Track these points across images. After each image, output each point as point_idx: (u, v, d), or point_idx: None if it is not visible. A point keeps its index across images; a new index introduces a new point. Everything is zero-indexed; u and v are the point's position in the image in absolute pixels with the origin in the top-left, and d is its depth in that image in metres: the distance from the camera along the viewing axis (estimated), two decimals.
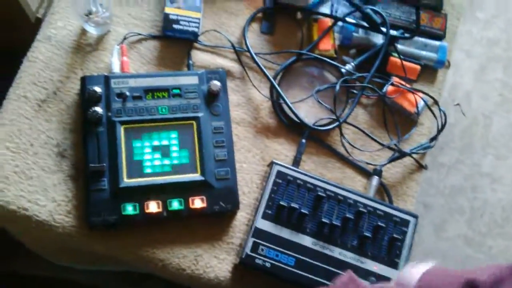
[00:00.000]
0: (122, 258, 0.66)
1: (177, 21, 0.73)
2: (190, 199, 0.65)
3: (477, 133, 1.65)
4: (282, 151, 0.74)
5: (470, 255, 1.57)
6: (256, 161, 0.72)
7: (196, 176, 0.66)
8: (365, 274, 0.65)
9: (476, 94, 1.66)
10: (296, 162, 0.71)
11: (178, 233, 0.67)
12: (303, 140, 0.72)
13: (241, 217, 0.69)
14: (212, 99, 0.70)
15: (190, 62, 0.73)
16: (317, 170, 0.74)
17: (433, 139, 0.78)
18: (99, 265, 0.76)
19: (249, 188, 0.71)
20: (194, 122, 0.68)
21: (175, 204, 0.65)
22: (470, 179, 1.62)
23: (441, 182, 1.60)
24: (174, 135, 0.67)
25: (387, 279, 0.66)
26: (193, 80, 0.70)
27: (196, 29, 0.73)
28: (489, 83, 1.68)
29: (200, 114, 0.68)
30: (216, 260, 0.67)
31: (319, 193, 0.66)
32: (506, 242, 1.60)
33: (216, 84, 0.69)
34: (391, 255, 0.67)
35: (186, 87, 0.70)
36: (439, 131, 0.77)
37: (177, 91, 0.69)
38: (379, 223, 0.67)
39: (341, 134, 0.73)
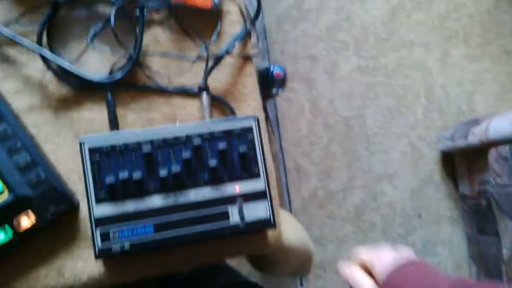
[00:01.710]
0: None
1: None
2: (15, 223, 0.57)
3: None
4: (95, 116, 0.64)
5: (371, 82, 1.59)
6: (70, 141, 0.63)
7: (5, 197, 0.57)
8: (230, 200, 0.61)
9: None
10: (112, 122, 0.63)
11: (27, 258, 0.60)
12: (109, 96, 0.63)
13: (86, 206, 0.62)
14: None
15: None
16: (142, 117, 0.65)
17: (255, 17, 0.69)
18: None
19: (78, 173, 0.62)
20: None
21: (1, 236, 0.57)
22: (341, 11, 1.57)
23: (315, 28, 1.54)
24: None
25: (254, 194, 0.62)
26: None
27: None
28: None
29: None
30: (81, 262, 0.61)
31: (145, 150, 0.59)
32: (398, 53, 1.62)
33: None
34: (248, 168, 0.62)
35: None
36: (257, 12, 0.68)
37: None
38: (221, 147, 0.61)
39: (143, 69, 0.64)
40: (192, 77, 0.67)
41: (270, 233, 0.67)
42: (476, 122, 1.47)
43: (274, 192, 0.66)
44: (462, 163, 1.58)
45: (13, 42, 0.61)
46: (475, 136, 1.41)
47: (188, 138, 0.61)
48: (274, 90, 1.15)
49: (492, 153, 1.37)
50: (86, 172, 0.58)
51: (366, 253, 0.61)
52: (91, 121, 0.64)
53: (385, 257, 0.58)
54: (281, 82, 1.15)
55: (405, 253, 0.59)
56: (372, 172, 1.59)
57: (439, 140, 1.62)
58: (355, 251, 0.63)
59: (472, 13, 1.68)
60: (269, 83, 1.06)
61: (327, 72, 1.55)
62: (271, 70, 1.10)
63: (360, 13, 1.58)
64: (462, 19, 1.66)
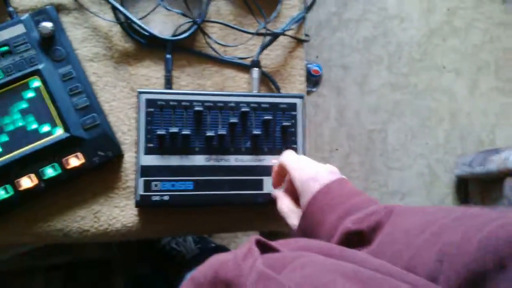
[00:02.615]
0: (18, 242, 0.62)
1: None
2: (64, 161, 0.60)
3: None
4: (151, 74, 0.67)
5: (399, 99, 1.61)
6: (125, 94, 0.66)
7: (60, 135, 0.60)
8: (266, 170, 0.64)
9: None
10: (168, 81, 0.66)
11: (67, 198, 0.62)
12: (168, 56, 0.66)
13: (130, 158, 0.65)
14: (49, 43, 0.61)
15: (10, 9, 0.63)
16: (194, 82, 0.68)
17: (311, 5, 0.73)
18: (10, 252, 0.72)
19: (128, 125, 0.65)
20: (37, 77, 0.60)
21: (50, 171, 0.60)
22: (380, 26, 1.60)
23: (353, 39, 1.58)
24: (20, 98, 0.60)
25: None
26: (19, 29, 0.61)
27: None
28: None
29: (40, 66, 0.60)
30: (117, 210, 0.64)
31: (197, 108, 0.62)
32: (429, 74, 1.64)
33: (46, 26, 0.60)
34: (287, 143, 0.65)
35: (13, 40, 0.60)
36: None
37: (5, 48, 0.60)
38: (266, 117, 0.64)
39: (205, 35, 0.67)
40: (245, 52, 0.70)
41: None
42: (496, 151, 1.48)
43: None
44: (476, 190, 1.59)
45: None
46: (494, 164, 1.42)
47: (237, 104, 0.64)
48: (309, 87, 1.17)
49: (508, 183, 1.38)
50: (140, 122, 0.61)
51: (290, 161, 0.58)
52: (147, 78, 0.67)
53: (306, 170, 0.55)
54: (317, 80, 1.18)
55: (330, 169, 0.56)
56: (386, 187, 1.60)
57: (456, 165, 1.63)
58: (285, 154, 0.60)
59: (506, 48, 1.70)
60: (306, 79, 1.08)
61: (357, 83, 1.58)
62: (309, 66, 1.13)
63: (397, 31, 1.61)
64: (496, 52, 1.69)
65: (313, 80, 1.14)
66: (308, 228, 0.52)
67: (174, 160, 0.62)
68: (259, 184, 0.64)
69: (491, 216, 0.36)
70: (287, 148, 0.65)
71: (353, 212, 0.48)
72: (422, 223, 0.41)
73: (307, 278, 0.33)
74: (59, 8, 0.65)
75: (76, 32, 0.65)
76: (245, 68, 0.70)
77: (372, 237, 0.45)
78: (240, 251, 0.41)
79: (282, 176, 0.61)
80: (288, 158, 0.58)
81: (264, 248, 0.40)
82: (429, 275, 0.36)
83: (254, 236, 0.42)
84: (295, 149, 0.65)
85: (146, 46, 0.67)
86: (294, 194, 0.57)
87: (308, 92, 1.16)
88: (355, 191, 0.52)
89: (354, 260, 0.37)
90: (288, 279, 0.34)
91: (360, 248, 0.45)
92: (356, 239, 0.46)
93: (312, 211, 0.52)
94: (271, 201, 0.63)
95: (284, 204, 0.58)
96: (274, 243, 0.42)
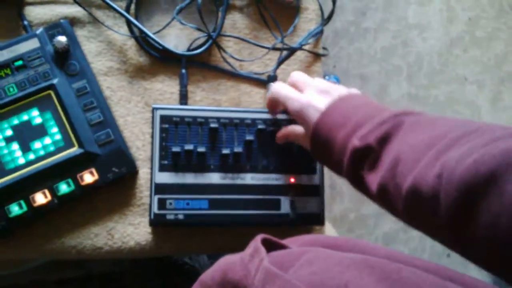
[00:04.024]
0: (31, 257, 0.61)
1: None
2: (78, 177, 0.59)
3: None
4: (166, 89, 0.66)
5: (419, 111, 1.57)
6: (140, 109, 0.65)
7: (74, 150, 0.59)
8: (284, 190, 0.62)
9: None
10: (183, 96, 0.64)
11: (81, 214, 0.61)
12: (183, 71, 0.65)
13: (144, 174, 0.63)
14: (63, 58, 0.60)
15: (25, 23, 0.62)
16: (209, 97, 0.67)
17: (328, 18, 0.71)
18: (22, 267, 0.72)
19: (142, 140, 0.64)
20: (51, 92, 0.59)
21: (64, 187, 0.59)
22: (399, 35, 1.57)
23: (371, 49, 1.55)
24: (34, 113, 0.59)
25: (308, 188, 0.63)
26: (33, 43, 0.60)
27: None
28: None
29: (54, 81, 0.59)
30: (131, 227, 0.62)
31: (212, 125, 0.60)
32: (449, 87, 1.60)
33: (60, 40, 0.60)
34: (306, 162, 0.63)
35: (28, 54, 0.60)
36: (332, 12, 0.69)
37: (19, 62, 0.59)
38: None
39: (220, 50, 0.65)
40: (262, 66, 0.69)
41: (315, 232, 0.67)
42: None
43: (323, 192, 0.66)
44: None
45: (103, 5, 0.64)
46: None
47: (253, 121, 0.62)
48: None
49: None
50: (154, 138, 0.60)
51: (280, 91, 0.57)
52: (162, 93, 0.66)
53: (299, 98, 0.54)
54: None
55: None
56: None
57: None
58: (274, 86, 0.59)
59: None
60: None
61: (376, 94, 1.55)
62: (327, 79, 1.10)
63: (417, 41, 1.58)
64: None
65: None
66: (320, 151, 0.51)
67: (189, 178, 0.60)
68: (276, 204, 0.62)
69: (502, 132, 0.35)
70: (304, 169, 0.63)
71: (360, 126, 0.46)
72: (431, 138, 0.40)
73: (315, 274, 0.33)
74: (73, 22, 0.64)
75: (90, 46, 0.64)
76: (261, 83, 0.68)
77: (380, 150, 0.44)
78: (247, 252, 0.40)
79: (276, 108, 0.61)
80: (277, 88, 0.57)
81: (272, 246, 0.40)
82: (432, 192, 0.36)
83: (260, 235, 0.41)
84: (313, 170, 0.63)
85: (160, 60, 0.66)
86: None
87: None
88: (359, 104, 0.49)
89: (361, 250, 0.37)
90: (295, 277, 0.33)
91: (371, 168, 0.44)
92: (365, 155, 0.45)
93: (319, 134, 0.50)
94: (289, 222, 0.61)
95: (295, 128, 0.58)
96: (281, 240, 0.42)
